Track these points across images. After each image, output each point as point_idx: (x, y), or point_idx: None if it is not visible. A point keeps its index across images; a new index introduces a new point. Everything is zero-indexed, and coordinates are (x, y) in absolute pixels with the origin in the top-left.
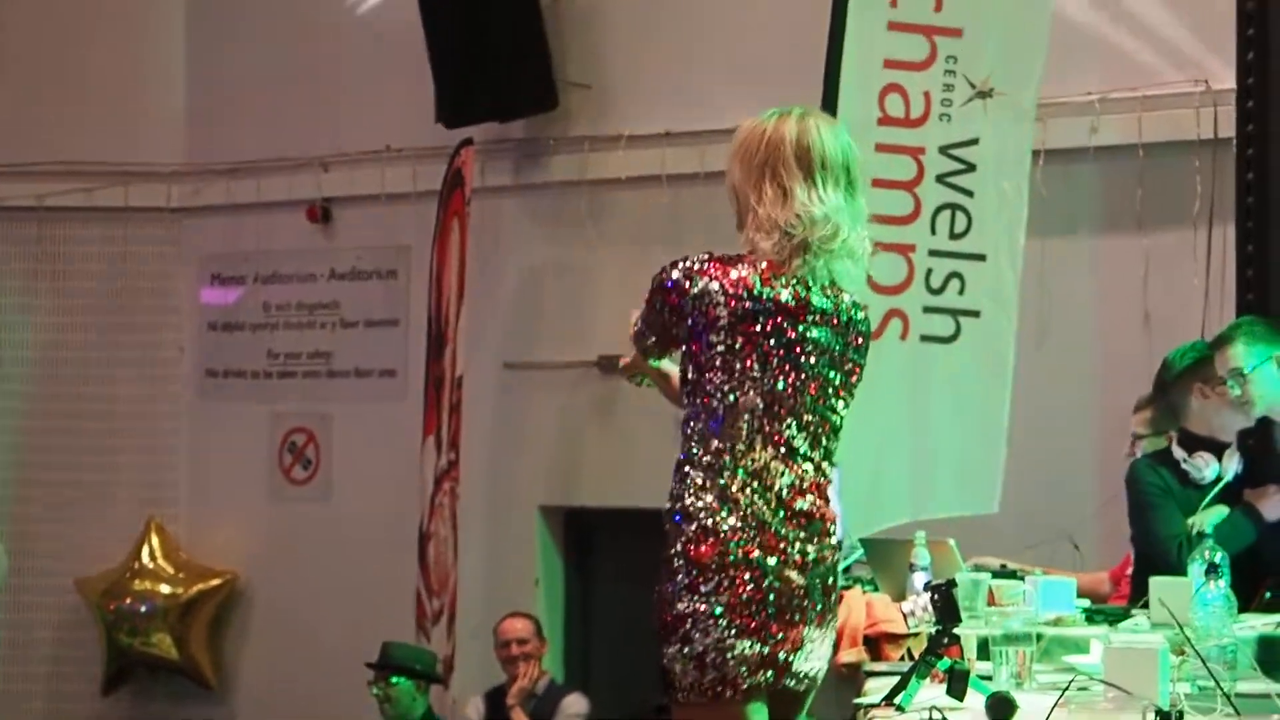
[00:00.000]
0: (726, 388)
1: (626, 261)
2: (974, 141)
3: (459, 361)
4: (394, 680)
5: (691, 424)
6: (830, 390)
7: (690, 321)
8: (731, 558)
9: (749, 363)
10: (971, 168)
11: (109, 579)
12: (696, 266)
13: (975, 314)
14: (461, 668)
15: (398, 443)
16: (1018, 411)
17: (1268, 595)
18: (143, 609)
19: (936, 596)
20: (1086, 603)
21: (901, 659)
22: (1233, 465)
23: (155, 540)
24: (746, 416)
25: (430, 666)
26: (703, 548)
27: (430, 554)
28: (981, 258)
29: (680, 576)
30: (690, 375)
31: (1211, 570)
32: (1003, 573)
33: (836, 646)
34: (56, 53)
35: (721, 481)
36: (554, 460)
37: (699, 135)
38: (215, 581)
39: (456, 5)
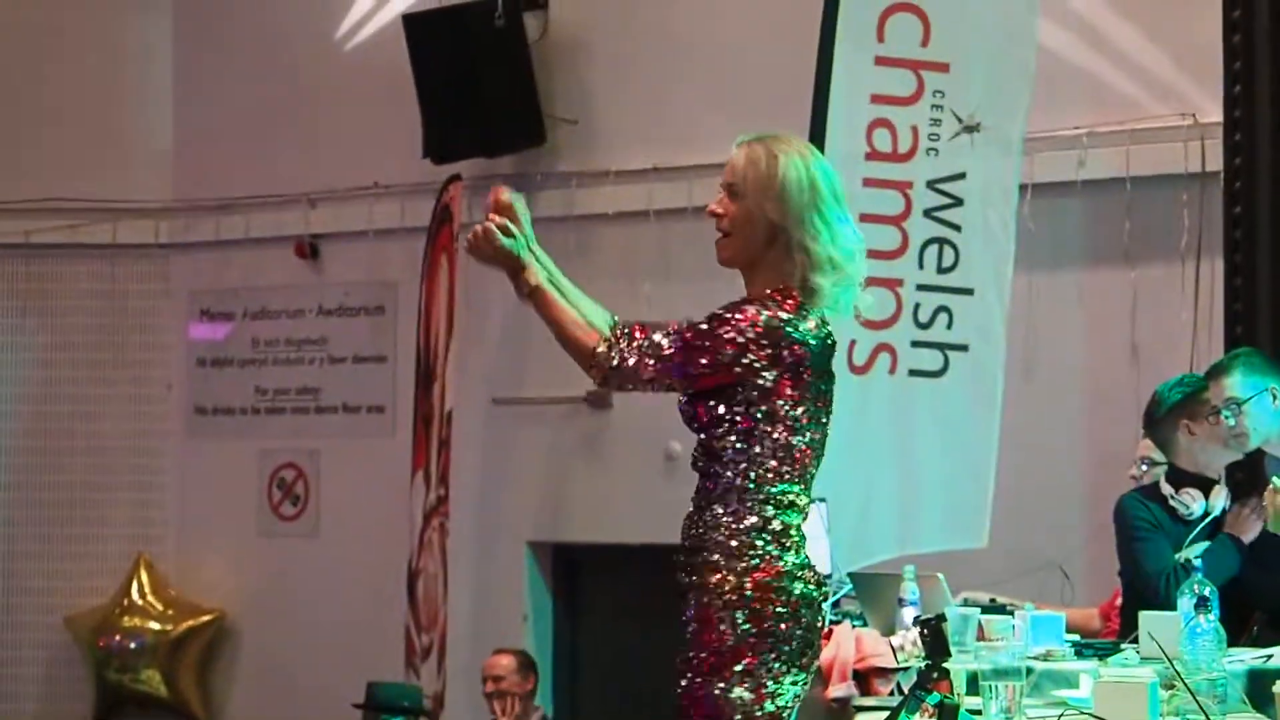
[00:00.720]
0: (791, 430)
1: (614, 296)
2: (961, 176)
3: (448, 397)
4: (384, 719)
5: (745, 464)
6: (829, 427)
7: (778, 366)
8: (796, 595)
9: (809, 404)
10: (959, 202)
11: (98, 616)
12: (794, 309)
13: (963, 348)
14: (451, 704)
15: (386, 478)
16: (1005, 445)
17: (1255, 630)
18: (132, 646)
19: (925, 631)
20: (1076, 637)
21: (891, 694)
22: (1220, 501)
23: (144, 577)
24: (803, 458)
25: (418, 702)
26: (770, 583)
27: (419, 590)
28: (969, 292)
29: (745, 608)
30: (756, 415)
31: (1201, 604)
32: (992, 607)
33: (826, 681)
34: (44, 89)
35: (782, 517)
36: (542, 496)
37: (686, 170)
38: (205, 618)
39: (444, 41)
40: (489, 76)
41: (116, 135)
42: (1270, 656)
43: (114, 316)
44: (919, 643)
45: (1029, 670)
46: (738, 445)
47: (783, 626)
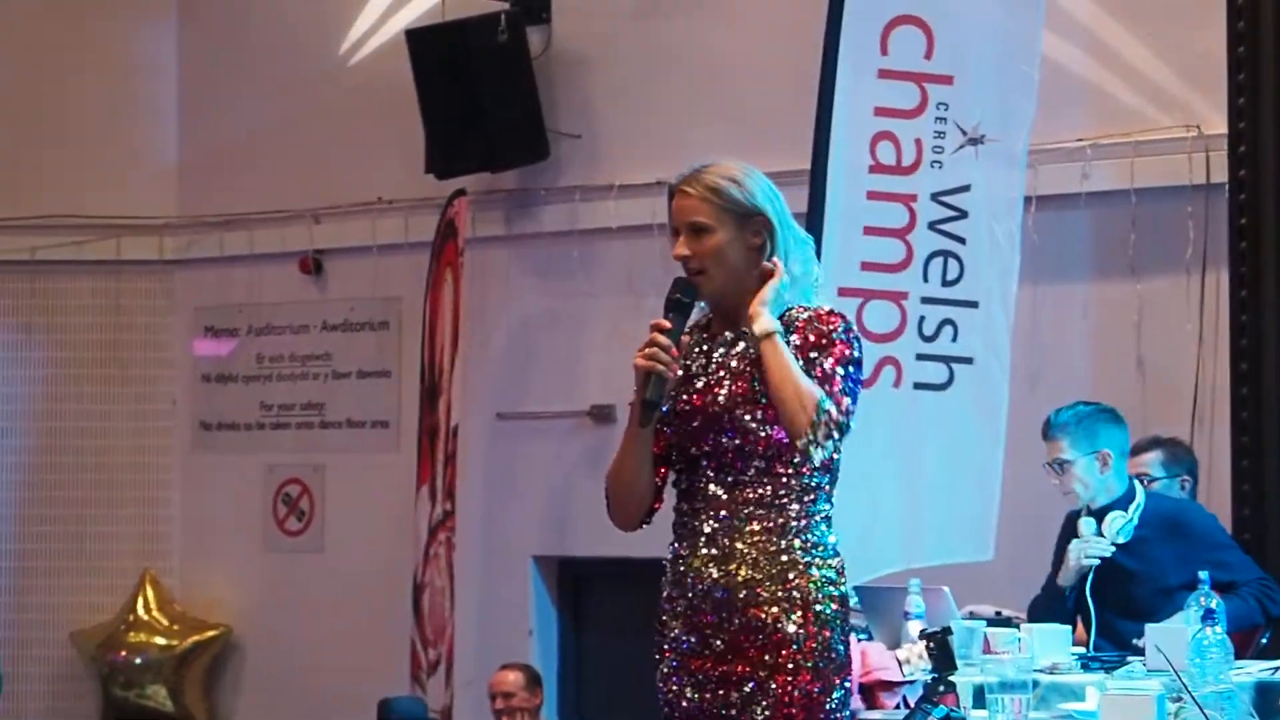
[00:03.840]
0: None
1: (618, 311)
2: (966, 188)
3: (453, 412)
4: None
5: (820, 489)
6: None
7: None
8: None
9: None
10: (963, 214)
11: (104, 632)
12: None
13: (968, 361)
14: (458, 718)
15: (391, 493)
16: (1011, 458)
17: (1264, 641)
18: (137, 661)
19: (931, 644)
20: (1082, 650)
21: (896, 707)
22: (1118, 527)
23: (150, 592)
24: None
25: (424, 717)
26: None
27: (425, 604)
28: (974, 304)
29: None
30: None
31: (1208, 616)
32: (998, 620)
33: None
34: (48, 105)
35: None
36: (547, 510)
37: None
38: (210, 633)
39: (447, 57)
40: (492, 91)
41: (122, 151)
42: (1278, 669)
43: (119, 333)
44: (925, 656)
45: (1035, 683)
46: (820, 470)
47: None
